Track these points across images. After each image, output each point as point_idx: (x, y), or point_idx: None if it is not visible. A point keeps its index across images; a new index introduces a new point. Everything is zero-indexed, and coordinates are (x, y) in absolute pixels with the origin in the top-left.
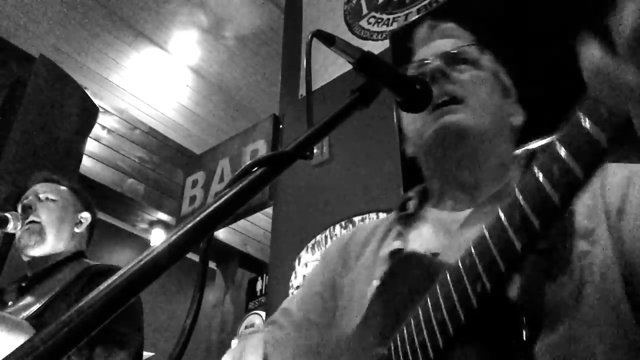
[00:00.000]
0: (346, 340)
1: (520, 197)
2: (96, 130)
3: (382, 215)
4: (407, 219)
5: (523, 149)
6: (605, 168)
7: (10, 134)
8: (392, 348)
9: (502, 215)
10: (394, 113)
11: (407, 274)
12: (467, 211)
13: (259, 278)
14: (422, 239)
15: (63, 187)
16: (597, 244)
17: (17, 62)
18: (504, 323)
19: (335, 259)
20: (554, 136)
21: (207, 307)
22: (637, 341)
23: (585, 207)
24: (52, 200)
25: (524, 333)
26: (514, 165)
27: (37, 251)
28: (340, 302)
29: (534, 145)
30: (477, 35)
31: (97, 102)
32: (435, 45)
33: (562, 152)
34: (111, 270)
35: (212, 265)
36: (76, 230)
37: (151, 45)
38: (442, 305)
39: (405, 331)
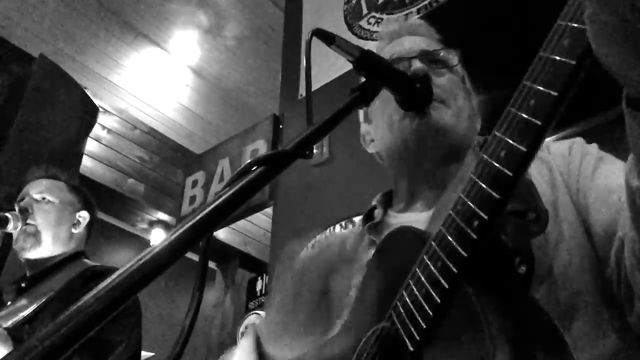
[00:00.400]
0: (337, 335)
1: (477, 178)
2: (96, 130)
3: None
4: (376, 228)
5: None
6: (547, 145)
7: (10, 133)
8: (394, 316)
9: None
10: None
11: (398, 247)
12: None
13: (259, 278)
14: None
15: (61, 184)
16: (560, 209)
17: (17, 62)
18: (500, 263)
19: (315, 279)
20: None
21: (207, 307)
22: (609, 296)
23: (541, 178)
24: (48, 201)
25: (521, 268)
26: (469, 152)
27: (33, 254)
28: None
29: None
30: (472, 36)
31: (97, 102)
32: (406, 42)
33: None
34: (109, 271)
35: (212, 265)
36: (74, 231)
37: (151, 45)
38: (431, 266)
39: (402, 298)
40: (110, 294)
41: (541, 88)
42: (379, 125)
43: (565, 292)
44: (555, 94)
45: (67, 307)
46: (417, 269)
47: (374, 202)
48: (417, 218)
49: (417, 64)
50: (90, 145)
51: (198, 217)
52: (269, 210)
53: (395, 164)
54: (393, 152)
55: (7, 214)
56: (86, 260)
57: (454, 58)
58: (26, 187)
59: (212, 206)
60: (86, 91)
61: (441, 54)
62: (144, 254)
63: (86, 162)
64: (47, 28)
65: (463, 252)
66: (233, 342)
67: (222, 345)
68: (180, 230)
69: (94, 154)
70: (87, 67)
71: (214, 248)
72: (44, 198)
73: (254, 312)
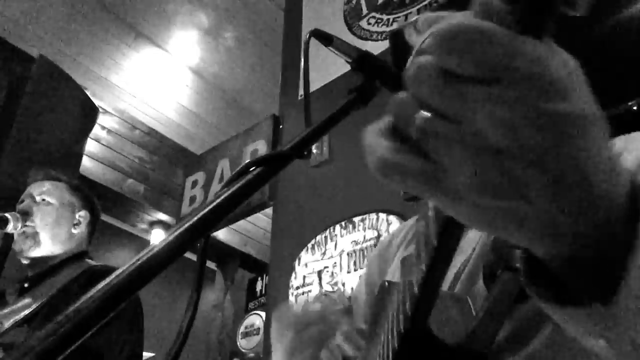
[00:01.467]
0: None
1: None
2: (96, 130)
3: (382, 215)
4: None
5: None
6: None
7: (10, 134)
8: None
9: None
10: None
11: (384, 302)
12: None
13: (259, 278)
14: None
15: (62, 184)
16: None
17: (17, 62)
18: None
19: (376, 266)
20: None
21: (207, 307)
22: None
23: None
24: (48, 203)
25: None
26: None
27: (32, 253)
28: None
29: None
30: None
31: (97, 102)
32: None
33: None
34: (109, 271)
35: (212, 265)
36: (74, 231)
37: (151, 45)
38: (384, 335)
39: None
40: (108, 294)
41: None
42: None
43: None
44: None
45: (67, 307)
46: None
47: None
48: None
49: None
50: (90, 145)
51: (196, 217)
52: (269, 210)
53: None
54: None
55: (6, 215)
56: (88, 260)
57: None
58: (27, 188)
59: (211, 206)
60: (86, 91)
61: None
62: (142, 253)
63: (86, 162)
64: (47, 28)
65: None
66: (233, 342)
67: (222, 345)
68: (179, 230)
69: (94, 154)
70: (87, 67)
71: (214, 248)
72: (43, 200)
73: (254, 312)
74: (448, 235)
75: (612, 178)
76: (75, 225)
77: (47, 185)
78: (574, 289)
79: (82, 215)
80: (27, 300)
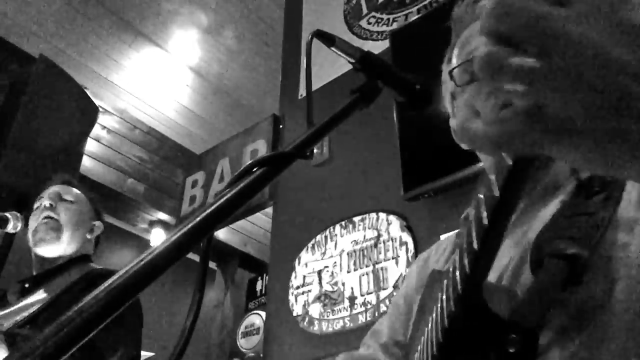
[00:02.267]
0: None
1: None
2: (96, 130)
3: (382, 215)
4: None
5: None
6: None
7: (10, 134)
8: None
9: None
10: (394, 113)
11: (433, 289)
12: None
13: (259, 278)
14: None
15: (79, 192)
16: (636, 233)
17: (17, 62)
18: (490, 337)
19: (415, 277)
20: None
21: (207, 307)
22: None
23: (635, 194)
24: (71, 201)
25: (510, 349)
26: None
27: (49, 249)
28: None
29: None
30: None
31: (97, 102)
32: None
33: None
34: (112, 274)
35: (212, 265)
36: (88, 236)
37: (151, 45)
38: (435, 310)
39: (421, 341)
40: (110, 295)
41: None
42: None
43: (626, 338)
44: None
45: (69, 308)
46: (438, 295)
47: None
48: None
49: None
50: (90, 145)
51: (199, 218)
52: (269, 210)
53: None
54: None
55: (7, 214)
56: (91, 264)
57: None
58: (51, 187)
59: (213, 207)
60: (86, 91)
61: None
62: (144, 254)
63: (86, 162)
64: (47, 28)
65: (459, 289)
66: (233, 342)
67: (222, 345)
68: (181, 231)
69: (94, 154)
70: (87, 67)
71: (214, 248)
72: (67, 199)
73: (254, 312)
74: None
75: None
76: (90, 231)
77: (67, 188)
78: None
79: (97, 225)
80: (29, 300)
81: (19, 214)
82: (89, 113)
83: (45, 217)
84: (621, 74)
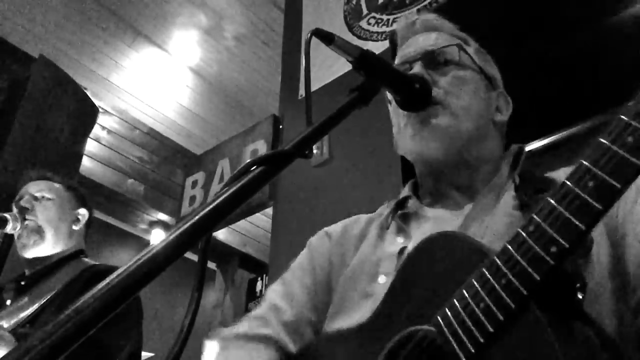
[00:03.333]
0: (352, 333)
1: (558, 205)
2: (96, 130)
3: None
4: (406, 217)
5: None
6: None
7: (9, 134)
8: (443, 325)
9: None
10: None
11: (446, 252)
12: (467, 207)
13: (259, 278)
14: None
15: (57, 185)
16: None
17: (17, 62)
18: (563, 289)
19: (327, 254)
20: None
21: (207, 308)
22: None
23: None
24: (48, 198)
25: (580, 294)
26: (504, 160)
27: (36, 251)
28: (335, 298)
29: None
30: (472, 36)
31: (97, 102)
32: (416, 42)
33: (597, 170)
34: (110, 270)
35: (212, 265)
36: (74, 227)
37: (151, 46)
38: (494, 282)
39: (454, 308)
40: (109, 293)
41: (605, 177)
42: (394, 130)
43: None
44: (618, 186)
45: (69, 306)
46: (474, 282)
47: (406, 192)
48: (448, 216)
49: (416, 68)
50: (90, 145)
51: (197, 217)
52: (269, 210)
53: (417, 166)
54: (408, 156)
55: (6, 215)
56: (86, 259)
57: (459, 53)
58: (24, 187)
59: (211, 206)
60: (86, 91)
61: (442, 52)
62: (143, 253)
63: (86, 162)
64: (47, 28)
65: (536, 276)
66: None
67: None
68: (179, 230)
69: (94, 154)
70: (87, 67)
71: (214, 248)
72: (43, 196)
73: None
74: None
75: None
76: (75, 221)
77: (43, 184)
78: None
79: (81, 212)
80: (27, 300)
81: (17, 214)
82: (89, 113)
83: (22, 224)
84: None
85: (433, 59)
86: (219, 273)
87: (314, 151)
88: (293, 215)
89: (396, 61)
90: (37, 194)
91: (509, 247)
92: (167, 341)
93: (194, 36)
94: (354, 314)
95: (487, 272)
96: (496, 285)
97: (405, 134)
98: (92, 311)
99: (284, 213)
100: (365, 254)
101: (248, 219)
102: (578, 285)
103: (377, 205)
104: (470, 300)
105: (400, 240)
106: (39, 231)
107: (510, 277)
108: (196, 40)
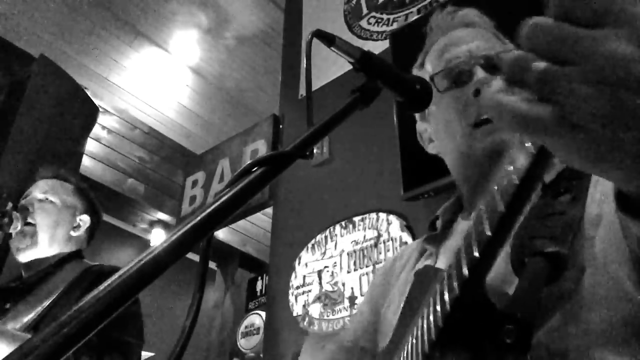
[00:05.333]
0: (380, 356)
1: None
2: (96, 130)
3: (382, 215)
4: (435, 238)
5: None
6: None
7: (10, 134)
8: (412, 338)
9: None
10: (394, 113)
11: (422, 288)
12: None
13: (259, 278)
14: (449, 252)
15: (69, 185)
16: (600, 227)
17: (17, 62)
18: (486, 330)
19: (379, 284)
20: None
21: (207, 307)
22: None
23: (598, 195)
24: (51, 201)
25: (506, 339)
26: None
27: (28, 255)
28: (379, 327)
29: None
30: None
31: (97, 102)
32: (458, 37)
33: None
34: (114, 271)
35: (212, 265)
36: (73, 234)
37: (151, 45)
38: (427, 312)
39: (408, 341)
40: (111, 294)
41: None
42: (441, 130)
43: (593, 314)
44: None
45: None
46: (430, 298)
47: (439, 210)
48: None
49: (479, 73)
50: (90, 145)
51: (199, 217)
52: (269, 210)
53: (459, 172)
54: (457, 162)
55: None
56: (84, 260)
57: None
58: (33, 185)
59: (213, 207)
60: (86, 91)
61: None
62: (144, 254)
63: (86, 162)
64: (47, 28)
65: (457, 291)
66: (233, 342)
67: (222, 345)
68: (181, 231)
69: (94, 154)
70: (87, 67)
71: (214, 248)
72: (46, 198)
73: (254, 312)
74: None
75: None
76: (75, 228)
77: (52, 183)
78: None
79: (82, 219)
80: (28, 304)
81: (19, 214)
82: (88, 113)
83: (24, 224)
84: (624, 91)
85: (490, 64)
86: (219, 273)
87: (314, 151)
88: (293, 215)
89: (441, 58)
90: (41, 196)
91: (451, 261)
92: (167, 341)
93: (194, 36)
94: (385, 339)
95: (438, 288)
96: (437, 302)
97: (470, 142)
98: (94, 312)
99: (284, 213)
100: (401, 280)
101: (248, 218)
102: (508, 327)
103: (377, 205)
104: (416, 327)
105: (427, 262)
106: (32, 236)
107: (445, 292)
108: (196, 39)
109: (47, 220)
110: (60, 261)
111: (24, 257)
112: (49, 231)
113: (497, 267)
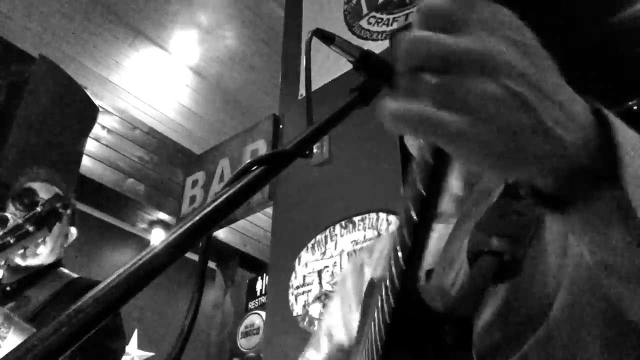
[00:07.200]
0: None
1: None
2: (96, 130)
3: (382, 215)
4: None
5: None
6: None
7: (10, 134)
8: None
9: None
10: None
11: (372, 298)
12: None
13: (259, 278)
14: (426, 254)
15: (60, 193)
16: (556, 233)
17: (17, 62)
18: (427, 333)
19: (351, 283)
20: None
21: (207, 307)
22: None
23: None
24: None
25: (447, 340)
26: None
27: (29, 260)
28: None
29: None
30: None
31: (97, 102)
32: None
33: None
34: (92, 286)
35: (212, 265)
36: (65, 245)
37: (151, 45)
38: (373, 323)
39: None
40: (109, 294)
41: None
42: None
43: (566, 339)
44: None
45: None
46: (375, 308)
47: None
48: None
49: None
50: (90, 145)
51: (197, 217)
52: (269, 210)
53: None
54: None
55: (7, 214)
56: (65, 270)
57: None
58: (29, 183)
59: (212, 206)
60: (86, 91)
61: None
62: (143, 254)
63: (86, 162)
64: (47, 28)
65: (392, 303)
66: (233, 342)
67: (222, 345)
68: (180, 230)
69: (94, 154)
70: (87, 67)
71: (214, 248)
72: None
73: (254, 312)
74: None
75: (568, 125)
76: (65, 238)
77: (50, 190)
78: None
79: (72, 232)
80: (12, 309)
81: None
82: (88, 113)
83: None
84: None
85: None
86: (219, 273)
87: (314, 151)
88: (293, 215)
89: None
90: (58, 204)
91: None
92: (167, 340)
93: (194, 36)
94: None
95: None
96: (376, 319)
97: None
98: (91, 312)
99: (284, 213)
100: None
101: (248, 218)
102: (448, 327)
103: (377, 205)
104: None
105: None
106: (37, 246)
107: (382, 307)
108: (196, 39)
109: (57, 229)
110: (43, 270)
111: (23, 261)
112: (52, 243)
113: (455, 262)
